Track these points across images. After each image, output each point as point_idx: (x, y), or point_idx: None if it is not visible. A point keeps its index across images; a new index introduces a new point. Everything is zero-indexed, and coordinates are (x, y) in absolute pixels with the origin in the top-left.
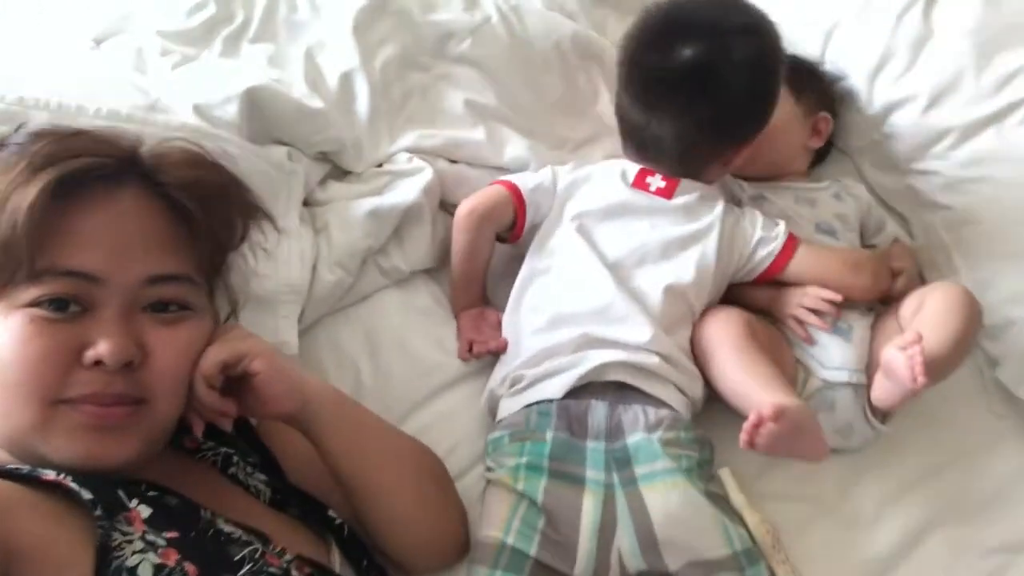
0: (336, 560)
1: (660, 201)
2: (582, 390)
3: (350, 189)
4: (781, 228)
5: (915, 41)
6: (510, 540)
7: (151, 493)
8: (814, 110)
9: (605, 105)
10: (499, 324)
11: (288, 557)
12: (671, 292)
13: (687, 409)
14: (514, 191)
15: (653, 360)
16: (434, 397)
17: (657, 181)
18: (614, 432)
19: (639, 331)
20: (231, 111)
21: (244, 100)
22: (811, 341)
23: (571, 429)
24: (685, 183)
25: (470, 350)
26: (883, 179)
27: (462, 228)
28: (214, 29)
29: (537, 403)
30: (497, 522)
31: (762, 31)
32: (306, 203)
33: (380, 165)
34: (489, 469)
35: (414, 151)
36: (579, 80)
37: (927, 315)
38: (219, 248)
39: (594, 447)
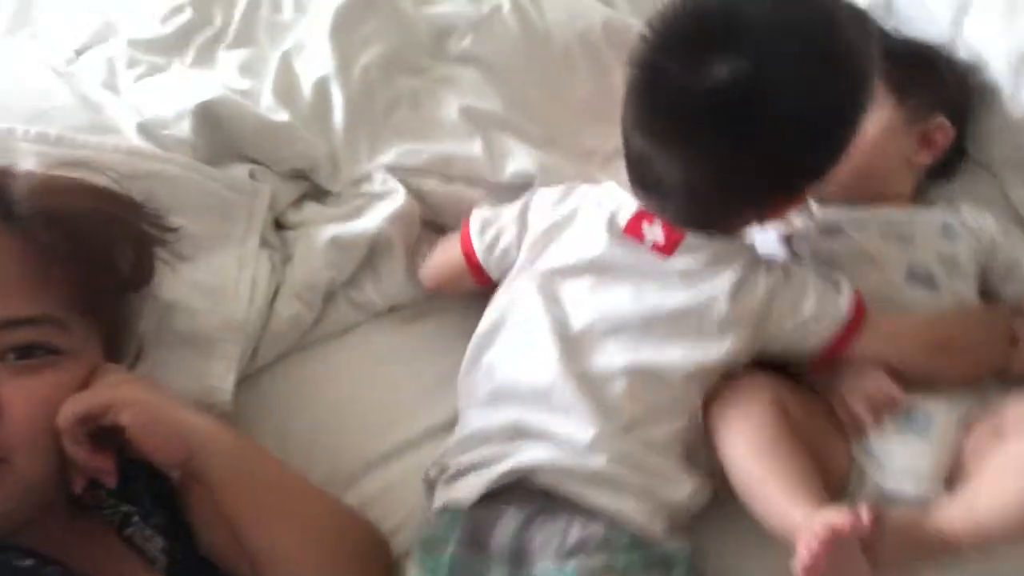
0: None
1: (654, 260)
2: (506, 491)
3: (323, 212)
4: (843, 300)
5: None
6: None
7: (27, 562)
8: (925, 115)
9: None
10: None
11: None
12: (644, 380)
13: (656, 519)
14: (468, 257)
15: (597, 462)
16: (396, 456)
17: (655, 232)
18: (519, 556)
19: (581, 428)
20: (184, 128)
21: (198, 116)
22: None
23: (475, 543)
24: (693, 238)
25: None
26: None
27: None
28: (189, 35)
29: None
30: None
31: (844, 35)
32: (281, 226)
33: (359, 185)
34: None
35: (395, 169)
36: (613, 78)
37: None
38: (100, 283)
39: (497, 571)
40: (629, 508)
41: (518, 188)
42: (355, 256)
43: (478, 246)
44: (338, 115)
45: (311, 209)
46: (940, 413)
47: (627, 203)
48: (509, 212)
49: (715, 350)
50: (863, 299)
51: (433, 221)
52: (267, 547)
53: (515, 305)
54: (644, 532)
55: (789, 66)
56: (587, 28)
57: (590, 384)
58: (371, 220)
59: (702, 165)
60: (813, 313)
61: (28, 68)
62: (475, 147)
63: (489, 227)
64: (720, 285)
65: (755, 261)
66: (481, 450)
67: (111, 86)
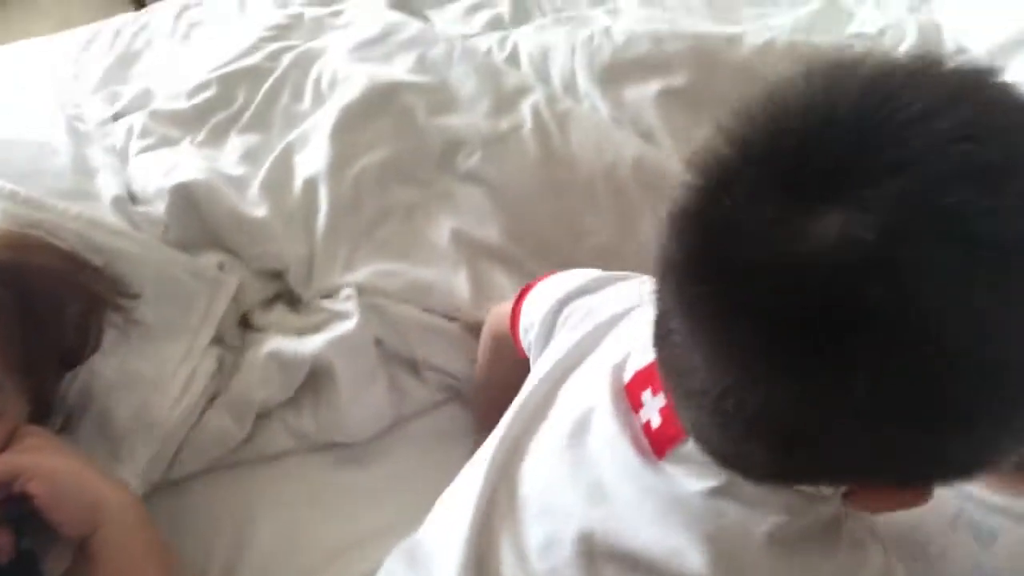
0: None
1: (637, 456)
2: None
3: (287, 319)
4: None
5: None
6: None
7: None
8: None
9: None
10: None
11: None
12: None
13: None
14: (515, 313)
15: None
16: None
17: (654, 410)
18: None
19: None
20: (159, 207)
21: (174, 196)
22: None
23: None
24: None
25: None
26: None
27: (481, 344)
28: (207, 113)
29: None
30: None
31: None
32: (249, 326)
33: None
34: None
35: (366, 289)
36: (640, 221)
37: None
38: (44, 344)
39: None
40: None
41: None
42: (294, 377)
43: (523, 327)
44: (322, 218)
45: (279, 313)
46: None
47: (636, 357)
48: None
49: None
50: None
51: (399, 354)
52: None
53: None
54: None
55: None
56: (616, 162)
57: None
58: (315, 341)
59: (777, 394)
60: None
61: (49, 121)
62: (459, 278)
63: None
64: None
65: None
66: None
67: (123, 154)
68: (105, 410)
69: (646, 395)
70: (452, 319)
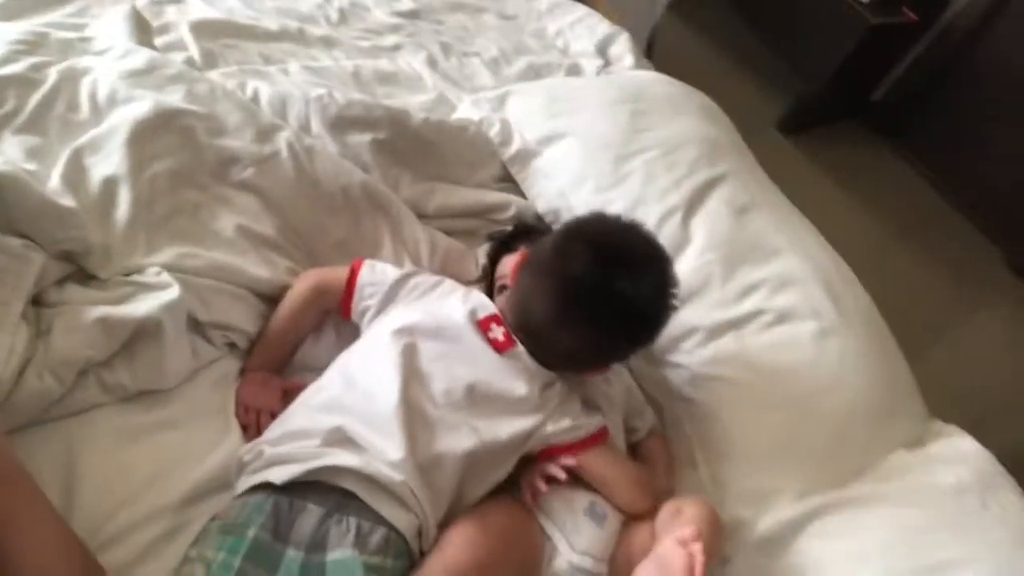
0: None
1: (489, 350)
2: (308, 487)
3: (86, 294)
4: (596, 420)
5: (674, 245)
6: None
7: None
8: None
9: (387, 252)
10: (280, 394)
11: None
12: (447, 433)
13: (415, 536)
14: (353, 275)
15: (394, 478)
16: (128, 534)
17: (498, 332)
18: (318, 544)
19: (392, 449)
20: None
21: None
22: (535, 505)
23: (276, 531)
24: (519, 348)
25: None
26: (643, 366)
27: (296, 290)
28: None
29: (257, 489)
30: None
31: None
32: (37, 302)
33: (129, 275)
34: (187, 560)
35: (173, 269)
36: (365, 225)
37: (684, 525)
38: None
39: (292, 556)
40: (403, 522)
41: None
42: (119, 338)
43: (363, 275)
44: (122, 212)
45: (73, 291)
46: (612, 512)
47: (487, 305)
48: (394, 270)
49: (521, 425)
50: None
51: (192, 317)
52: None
53: (378, 342)
54: (410, 546)
55: (671, 292)
56: (349, 184)
57: (413, 423)
58: (143, 306)
59: (603, 342)
60: (580, 420)
61: None
62: (249, 260)
63: (387, 267)
64: (535, 390)
65: (554, 378)
66: (300, 443)
67: None
68: None
69: (492, 327)
70: (240, 288)
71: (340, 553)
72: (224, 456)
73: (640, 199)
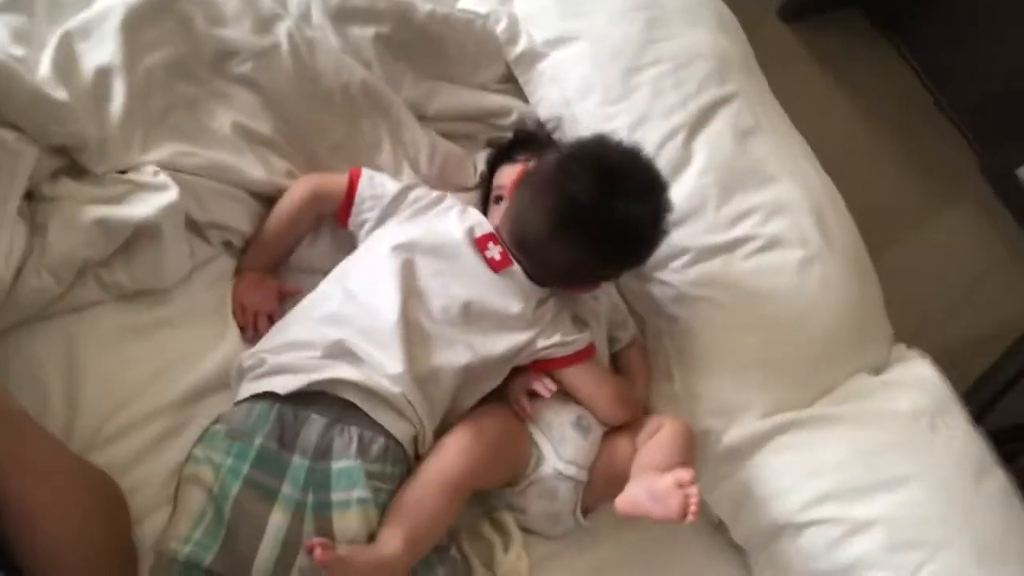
0: None
1: (485, 269)
2: (310, 397)
3: (82, 191)
4: (585, 336)
5: (674, 165)
6: (186, 551)
7: None
8: None
9: (386, 156)
10: (276, 295)
11: None
12: (446, 348)
13: (411, 443)
14: (352, 186)
15: (393, 391)
16: (129, 431)
17: (495, 251)
18: (323, 452)
19: (392, 363)
20: None
21: None
22: (532, 419)
23: (281, 439)
24: (515, 267)
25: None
26: (630, 282)
27: (294, 194)
28: None
29: (261, 397)
30: (180, 531)
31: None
32: (30, 196)
33: (124, 172)
34: (194, 460)
35: (168, 167)
36: (364, 126)
37: (663, 443)
38: None
39: (298, 463)
40: (400, 430)
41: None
42: (118, 239)
43: (364, 185)
44: (116, 105)
45: (67, 185)
46: (595, 424)
47: (484, 224)
48: (393, 183)
49: (515, 340)
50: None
51: (190, 217)
52: (19, 499)
53: (377, 256)
54: (407, 452)
55: (663, 215)
56: (349, 81)
57: (411, 338)
58: (143, 208)
59: (591, 258)
60: (569, 337)
61: None
62: (247, 160)
63: (386, 178)
64: (530, 308)
65: (547, 294)
66: (302, 353)
67: None
68: None
69: (489, 245)
70: (236, 189)
71: (344, 462)
72: (222, 357)
73: (645, 115)
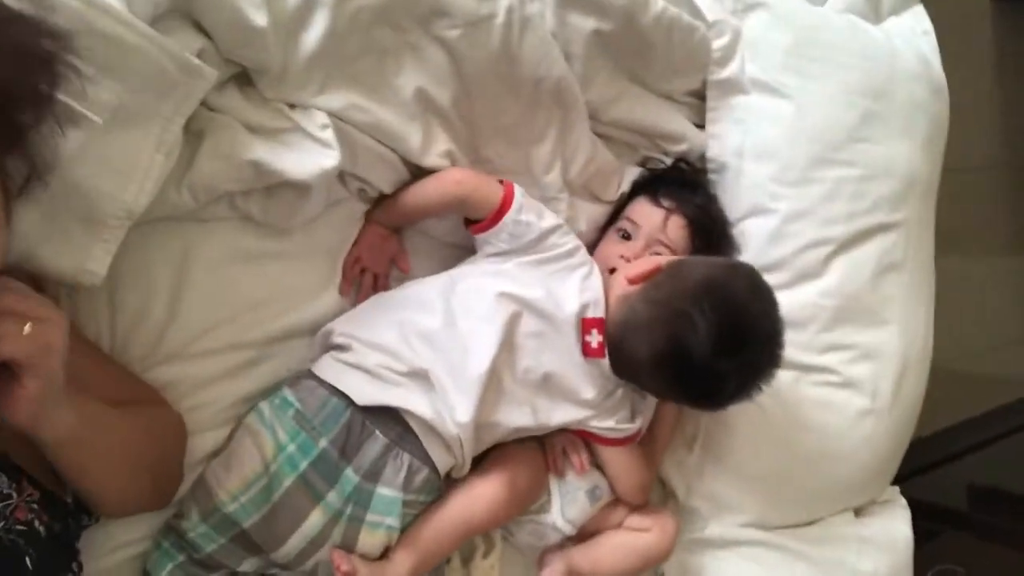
0: None
1: (579, 350)
2: (379, 411)
3: (245, 110)
4: (635, 425)
5: (804, 274)
6: (230, 508)
7: None
8: None
9: (545, 150)
10: (394, 256)
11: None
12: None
13: (448, 468)
14: (501, 211)
15: (453, 432)
16: (215, 353)
17: (595, 339)
18: (374, 475)
19: (464, 410)
20: None
21: None
22: (560, 473)
23: (343, 449)
24: (606, 364)
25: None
26: None
27: (442, 188)
28: None
29: (338, 393)
30: (231, 486)
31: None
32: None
33: (293, 107)
34: (258, 416)
35: (338, 116)
36: (538, 118)
37: (628, 548)
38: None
39: (350, 476)
40: (445, 464)
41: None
42: (265, 183)
43: (515, 207)
44: (311, 39)
45: (233, 98)
46: (605, 491)
47: (599, 305)
48: (549, 215)
49: (574, 415)
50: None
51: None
52: (93, 491)
53: (485, 290)
54: (442, 481)
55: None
56: (545, 76)
57: (489, 389)
58: (300, 166)
59: (674, 396)
60: (622, 425)
61: None
62: (413, 127)
63: (529, 207)
64: (603, 389)
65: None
66: (388, 362)
67: None
68: (83, 203)
69: (592, 332)
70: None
71: (389, 491)
72: (324, 307)
73: (807, 212)
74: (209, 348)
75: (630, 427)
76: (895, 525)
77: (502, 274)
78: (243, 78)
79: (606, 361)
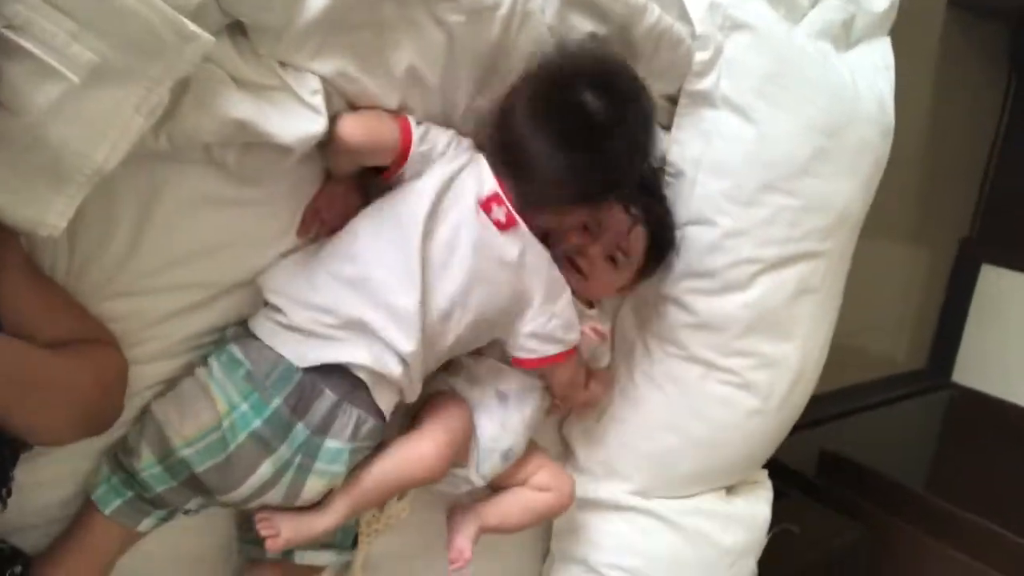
0: None
1: (491, 229)
2: (328, 369)
3: (235, 63)
4: (573, 337)
5: (729, 286)
6: (185, 453)
7: None
8: None
9: None
10: (353, 211)
11: None
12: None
13: (392, 412)
14: (404, 145)
15: (398, 370)
16: (170, 291)
17: (501, 212)
18: (323, 428)
19: (407, 342)
20: None
21: None
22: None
23: (295, 407)
24: (521, 231)
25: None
26: (631, 330)
27: (337, 146)
28: None
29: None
30: (187, 431)
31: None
32: None
33: (284, 65)
34: (209, 373)
35: (329, 82)
36: None
37: (526, 506)
38: None
39: (299, 430)
40: (390, 405)
41: None
42: (246, 140)
43: (415, 143)
44: (315, 7)
45: (225, 50)
46: (517, 454)
47: (489, 182)
48: (437, 129)
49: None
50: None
51: None
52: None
53: (407, 215)
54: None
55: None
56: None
57: (427, 318)
58: (285, 131)
59: (584, 165)
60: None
61: None
62: (391, 100)
63: (432, 130)
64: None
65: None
66: (320, 318)
67: None
68: (51, 155)
69: (493, 208)
70: None
71: (337, 443)
72: (274, 257)
73: (746, 231)
74: (164, 285)
75: (571, 335)
76: (758, 506)
77: (418, 190)
78: (236, 28)
79: (522, 225)
